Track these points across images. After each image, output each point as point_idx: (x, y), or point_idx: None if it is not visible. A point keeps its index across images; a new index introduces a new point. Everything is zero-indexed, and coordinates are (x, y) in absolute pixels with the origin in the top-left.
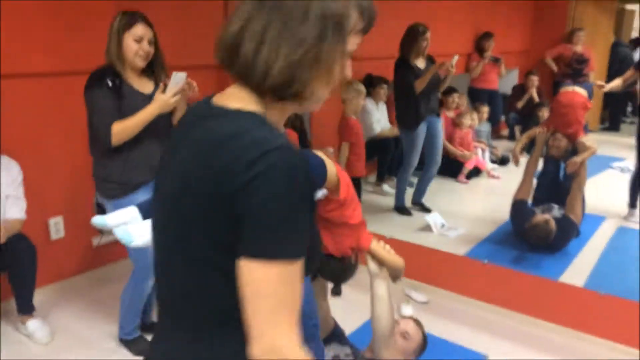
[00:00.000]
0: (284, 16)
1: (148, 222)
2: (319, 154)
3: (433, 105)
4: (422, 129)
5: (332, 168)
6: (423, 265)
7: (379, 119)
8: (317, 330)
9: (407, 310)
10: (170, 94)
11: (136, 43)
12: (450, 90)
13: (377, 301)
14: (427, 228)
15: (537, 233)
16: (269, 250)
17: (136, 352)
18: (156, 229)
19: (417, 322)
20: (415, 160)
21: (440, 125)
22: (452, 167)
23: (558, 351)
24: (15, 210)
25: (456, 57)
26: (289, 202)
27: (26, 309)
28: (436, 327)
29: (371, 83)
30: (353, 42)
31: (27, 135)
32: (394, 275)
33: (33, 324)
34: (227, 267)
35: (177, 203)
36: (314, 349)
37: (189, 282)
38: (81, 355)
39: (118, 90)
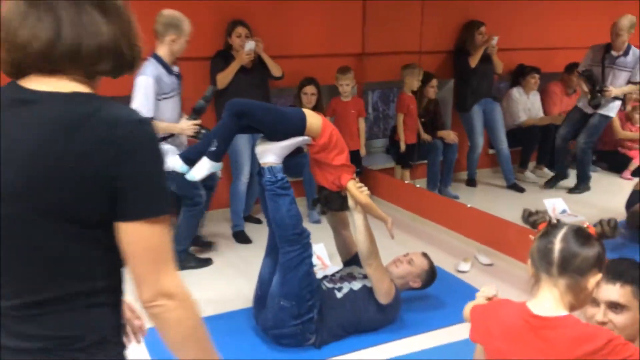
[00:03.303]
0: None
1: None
2: (304, 110)
3: (487, 90)
4: (475, 111)
5: (314, 120)
6: (494, 232)
7: (527, 108)
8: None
9: (464, 266)
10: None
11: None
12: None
13: (355, 229)
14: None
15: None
16: (151, 211)
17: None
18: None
19: (425, 255)
20: (475, 140)
21: (498, 109)
22: (618, 162)
23: None
24: None
25: (496, 38)
26: (158, 167)
27: None
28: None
29: (522, 72)
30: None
31: None
32: (366, 210)
33: None
34: (91, 236)
35: (31, 186)
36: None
37: (53, 256)
38: None
39: None
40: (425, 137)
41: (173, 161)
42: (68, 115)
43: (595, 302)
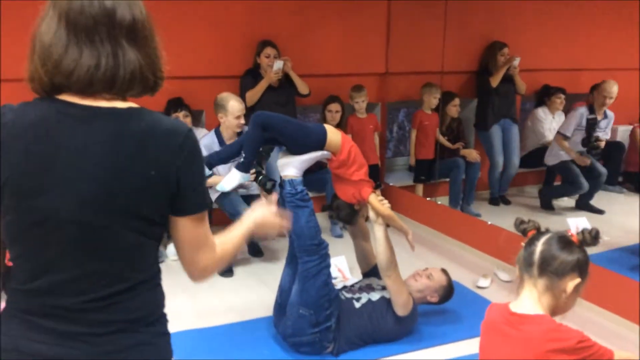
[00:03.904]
0: (147, 41)
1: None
2: (326, 125)
3: (507, 110)
4: (495, 130)
5: (334, 137)
6: (514, 249)
7: (552, 128)
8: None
9: (483, 282)
10: (272, 74)
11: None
12: None
13: (375, 241)
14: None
15: None
16: (202, 207)
17: None
18: (63, 219)
19: (444, 271)
20: (495, 159)
21: (515, 130)
22: None
23: None
24: None
25: (518, 59)
26: (202, 166)
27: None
28: None
29: (547, 93)
30: None
31: None
32: (387, 223)
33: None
34: (155, 231)
35: (108, 192)
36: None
37: (125, 252)
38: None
39: None
40: (449, 144)
41: None
42: (132, 129)
43: None
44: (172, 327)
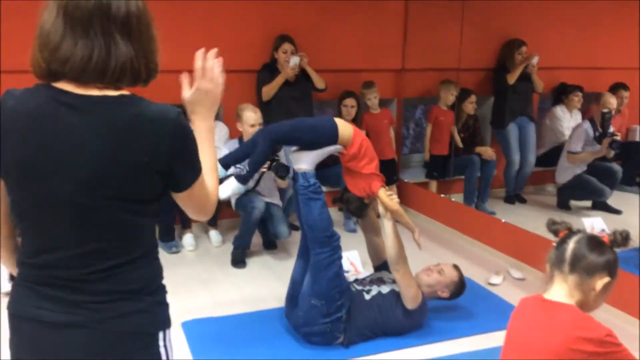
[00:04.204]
0: (142, 33)
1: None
2: (336, 119)
3: (524, 108)
4: (511, 128)
5: (346, 130)
6: (527, 247)
7: (570, 126)
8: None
9: (495, 279)
10: (289, 69)
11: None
12: None
13: (384, 235)
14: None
15: None
16: (195, 177)
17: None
18: (62, 202)
19: (456, 267)
20: (511, 157)
21: (531, 128)
22: None
23: None
24: None
25: (536, 58)
26: (195, 146)
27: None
28: None
29: (564, 91)
30: None
31: None
32: (395, 218)
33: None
34: (150, 210)
35: (101, 177)
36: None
37: (121, 230)
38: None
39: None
40: (460, 144)
41: None
42: (123, 116)
43: None
44: (189, 314)
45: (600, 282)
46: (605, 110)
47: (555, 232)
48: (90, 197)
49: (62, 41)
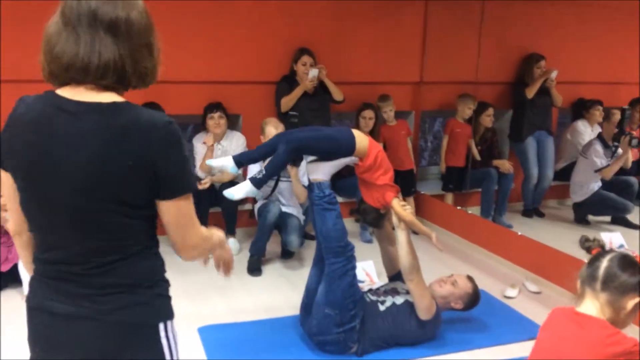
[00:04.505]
0: (133, 38)
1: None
2: (354, 131)
3: (543, 122)
4: (530, 142)
5: (362, 143)
6: (544, 261)
7: None
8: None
9: (511, 292)
10: (308, 82)
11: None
12: None
13: (398, 245)
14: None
15: None
16: (183, 191)
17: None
18: (57, 204)
19: (470, 278)
20: (530, 171)
21: (550, 142)
22: None
23: None
24: None
25: (555, 72)
26: (185, 157)
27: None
28: (542, 316)
29: (584, 106)
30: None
31: None
32: (410, 227)
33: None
34: (140, 212)
35: (93, 180)
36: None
37: (113, 230)
38: None
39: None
40: (478, 156)
41: (225, 161)
42: (115, 123)
43: None
44: (205, 320)
45: (632, 301)
46: (626, 107)
47: (588, 249)
48: (85, 200)
49: (58, 41)
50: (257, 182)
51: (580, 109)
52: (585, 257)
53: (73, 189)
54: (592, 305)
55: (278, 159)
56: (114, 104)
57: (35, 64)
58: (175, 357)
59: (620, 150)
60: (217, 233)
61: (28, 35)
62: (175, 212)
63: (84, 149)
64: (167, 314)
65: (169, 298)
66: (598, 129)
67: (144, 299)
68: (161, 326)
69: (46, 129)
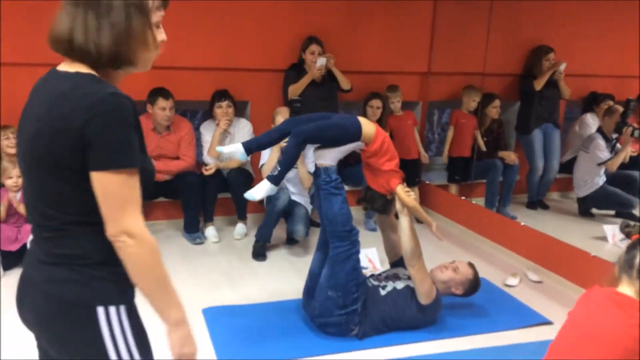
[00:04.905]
0: (95, 11)
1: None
2: (360, 118)
3: (550, 114)
4: (536, 134)
5: (369, 129)
6: (546, 251)
7: None
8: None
9: (512, 281)
10: (316, 70)
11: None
12: None
13: (401, 230)
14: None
15: None
16: (112, 163)
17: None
18: (21, 159)
19: (471, 265)
20: (535, 163)
21: (556, 135)
22: None
23: None
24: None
25: (564, 64)
26: (120, 130)
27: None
28: (542, 305)
29: (595, 100)
30: (157, 15)
31: None
32: (413, 214)
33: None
34: (75, 180)
35: (35, 139)
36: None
37: (52, 194)
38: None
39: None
40: (484, 147)
41: (235, 148)
42: (64, 88)
43: None
44: (209, 303)
45: None
46: (631, 98)
47: (628, 235)
48: (30, 162)
49: (56, 18)
50: (275, 180)
51: (591, 102)
52: (587, 249)
53: (23, 150)
54: (630, 291)
55: (289, 152)
56: (76, 73)
57: (34, 47)
58: (122, 349)
59: (619, 146)
60: (179, 308)
61: (27, 19)
62: (100, 186)
63: (36, 109)
64: (109, 298)
65: (114, 283)
66: None
67: (81, 279)
68: (100, 309)
69: (33, 93)
